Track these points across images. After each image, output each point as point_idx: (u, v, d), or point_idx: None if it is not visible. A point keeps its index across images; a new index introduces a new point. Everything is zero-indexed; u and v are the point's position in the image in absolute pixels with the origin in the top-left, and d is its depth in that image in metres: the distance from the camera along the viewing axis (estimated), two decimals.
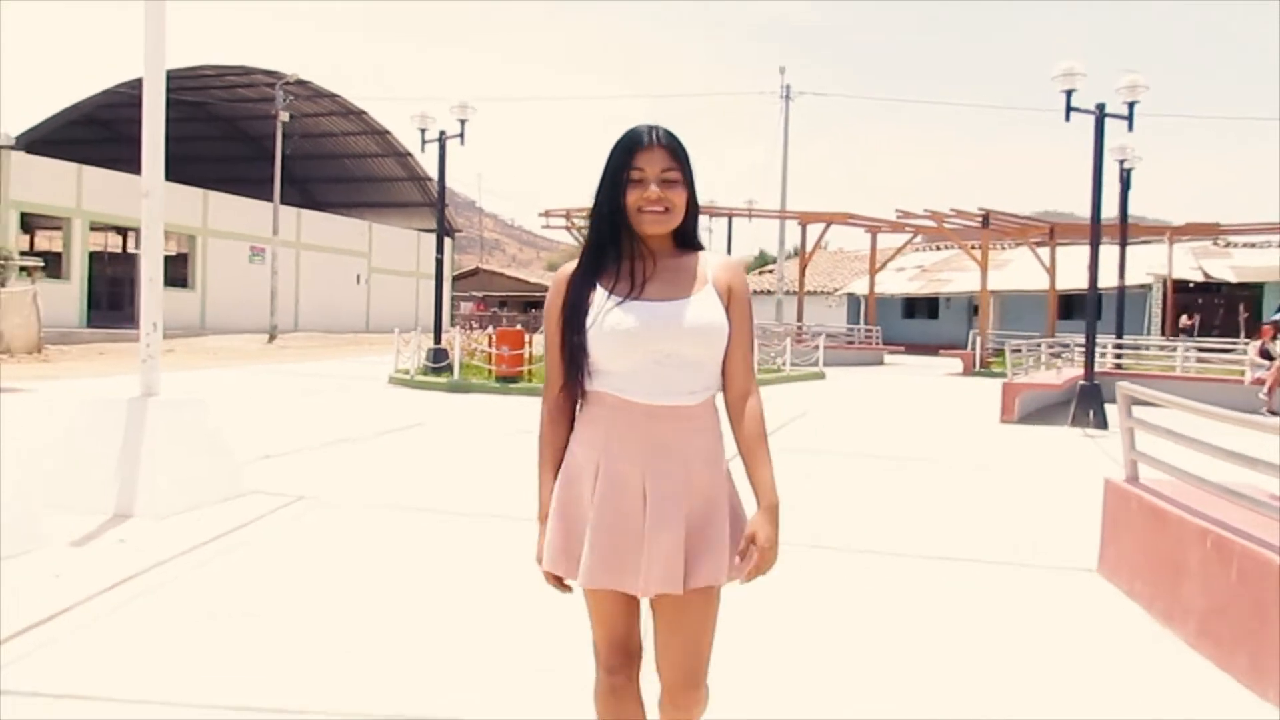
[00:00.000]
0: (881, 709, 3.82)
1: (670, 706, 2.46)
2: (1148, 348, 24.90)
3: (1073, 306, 39.19)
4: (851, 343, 34.11)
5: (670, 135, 2.37)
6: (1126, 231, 21.38)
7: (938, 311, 45.72)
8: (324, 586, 5.23)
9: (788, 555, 5.52)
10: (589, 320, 2.34)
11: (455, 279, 55.26)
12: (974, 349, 27.72)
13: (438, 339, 19.90)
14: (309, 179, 46.89)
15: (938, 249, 48.42)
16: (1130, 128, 15.85)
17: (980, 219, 29.19)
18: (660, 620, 2.41)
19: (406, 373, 18.98)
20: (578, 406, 2.46)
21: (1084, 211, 21.42)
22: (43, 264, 28.31)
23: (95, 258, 35.29)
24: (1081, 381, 14.87)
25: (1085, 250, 29.15)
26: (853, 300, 45.51)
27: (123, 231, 39.47)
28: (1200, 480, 5.10)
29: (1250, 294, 35.95)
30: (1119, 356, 21.27)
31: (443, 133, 19.94)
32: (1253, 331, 25.46)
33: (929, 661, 4.39)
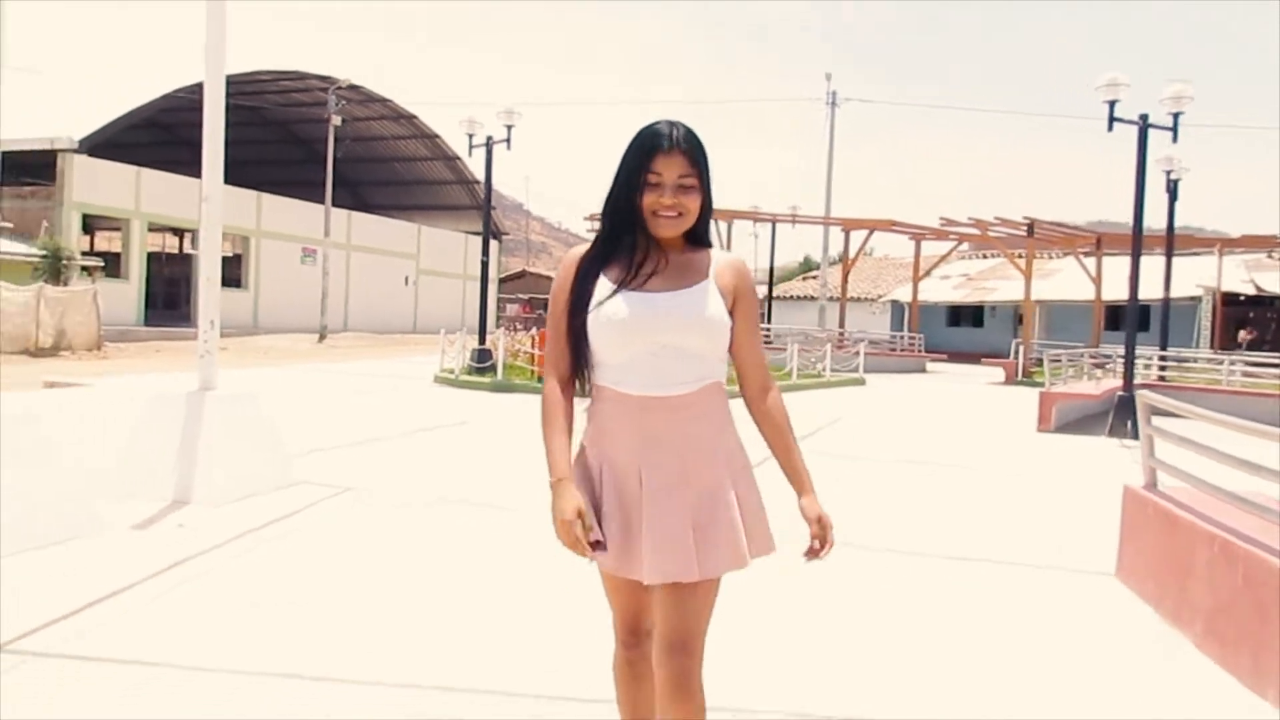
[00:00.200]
0: (901, 701, 4.04)
1: (666, 690, 2.39)
2: (1195, 360, 24.69)
3: (1120, 317, 38.74)
4: (893, 349, 34.08)
5: (690, 137, 2.36)
6: (1173, 242, 21.25)
7: (983, 320, 45.44)
8: (368, 572, 5.53)
9: (815, 573, 5.78)
10: (590, 306, 2.38)
11: (502, 281, 55.85)
12: (1016, 358, 27.63)
13: (482, 340, 20.28)
14: (360, 182, 47.66)
15: (984, 257, 48.15)
16: (1175, 139, 15.85)
17: (1025, 228, 29.08)
18: (662, 598, 2.39)
19: (452, 372, 19.37)
20: (588, 403, 2.50)
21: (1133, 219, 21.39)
22: (102, 264, 29.12)
23: (152, 258, 36.16)
24: (1120, 392, 14.88)
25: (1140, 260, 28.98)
26: (896, 307, 45.37)
27: (179, 232, 40.38)
28: (1212, 487, 5.25)
29: None
30: (1163, 369, 21.15)
31: (490, 138, 20.33)
32: None
33: (946, 655, 4.60)
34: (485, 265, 21.53)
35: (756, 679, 4.09)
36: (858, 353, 26.24)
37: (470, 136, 20.44)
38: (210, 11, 7.51)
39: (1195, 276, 35.35)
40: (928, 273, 38.44)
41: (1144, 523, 5.92)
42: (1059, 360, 18.08)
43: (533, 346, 19.32)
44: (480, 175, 23.55)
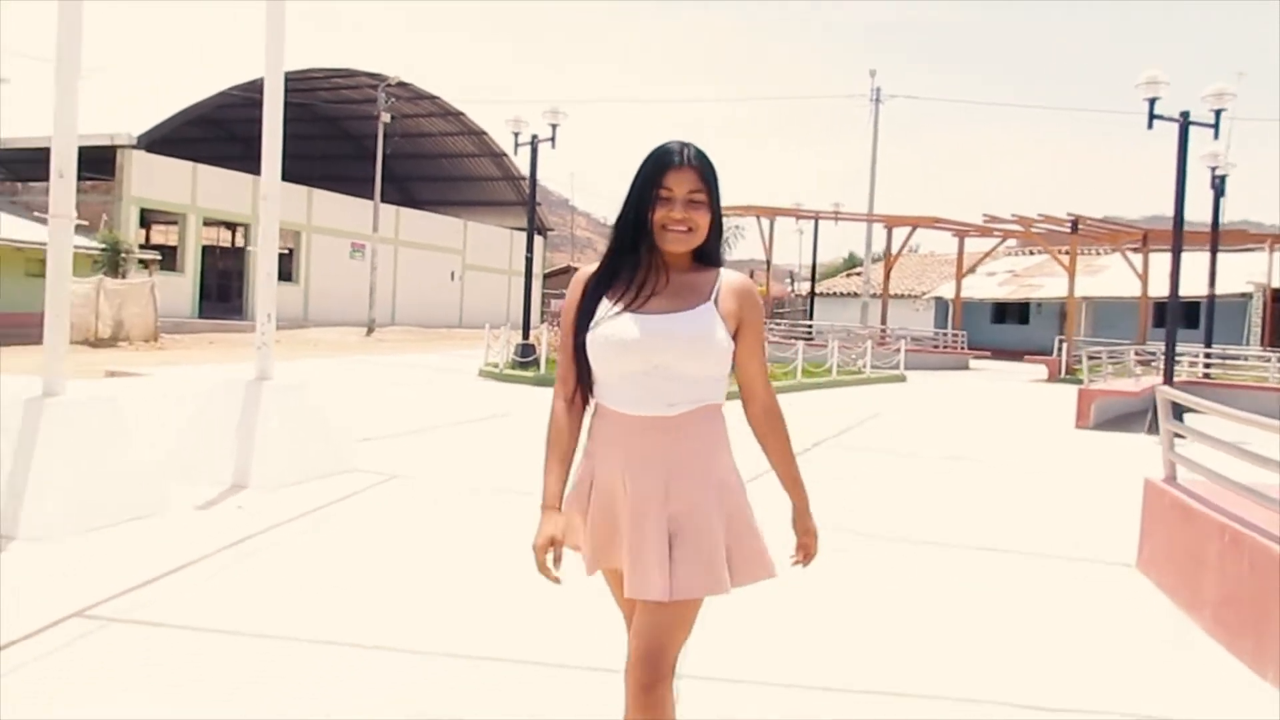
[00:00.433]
0: (930, 676, 4.29)
1: (631, 692, 2.41)
2: (1245, 358, 24.47)
3: (1167, 314, 38.35)
4: (936, 347, 34.03)
5: (700, 156, 2.42)
6: (1217, 238, 21.12)
7: (1028, 317, 45.14)
8: (412, 552, 5.86)
9: (846, 542, 6.04)
10: (591, 324, 2.43)
11: (546, 276, 56.31)
12: (1059, 355, 27.54)
13: (526, 335, 20.65)
14: (408, 177, 48.29)
15: (1030, 253, 47.79)
16: (1216, 135, 15.83)
17: (1069, 224, 28.94)
18: (639, 613, 2.44)
19: (496, 366, 19.74)
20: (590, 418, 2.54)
21: (1193, 216, 21.31)
22: (159, 257, 29.88)
23: (207, 251, 36.99)
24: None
25: (1185, 256, 28.75)
26: (940, 304, 45.20)
27: (232, 226, 41.22)
28: (1227, 480, 5.43)
29: None
30: (1208, 366, 21.03)
31: (535, 136, 20.69)
32: None
33: (974, 637, 4.84)
34: (529, 261, 21.90)
35: (801, 656, 4.36)
36: (898, 350, 26.30)
37: (516, 135, 20.81)
38: (270, 12, 7.86)
39: (1246, 273, 34.93)
40: (972, 269, 38.31)
41: (1162, 515, 6.10)
42: (1098, 357, 18.06)
43: None
44: (526, 171, 23.92)
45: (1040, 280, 43.89)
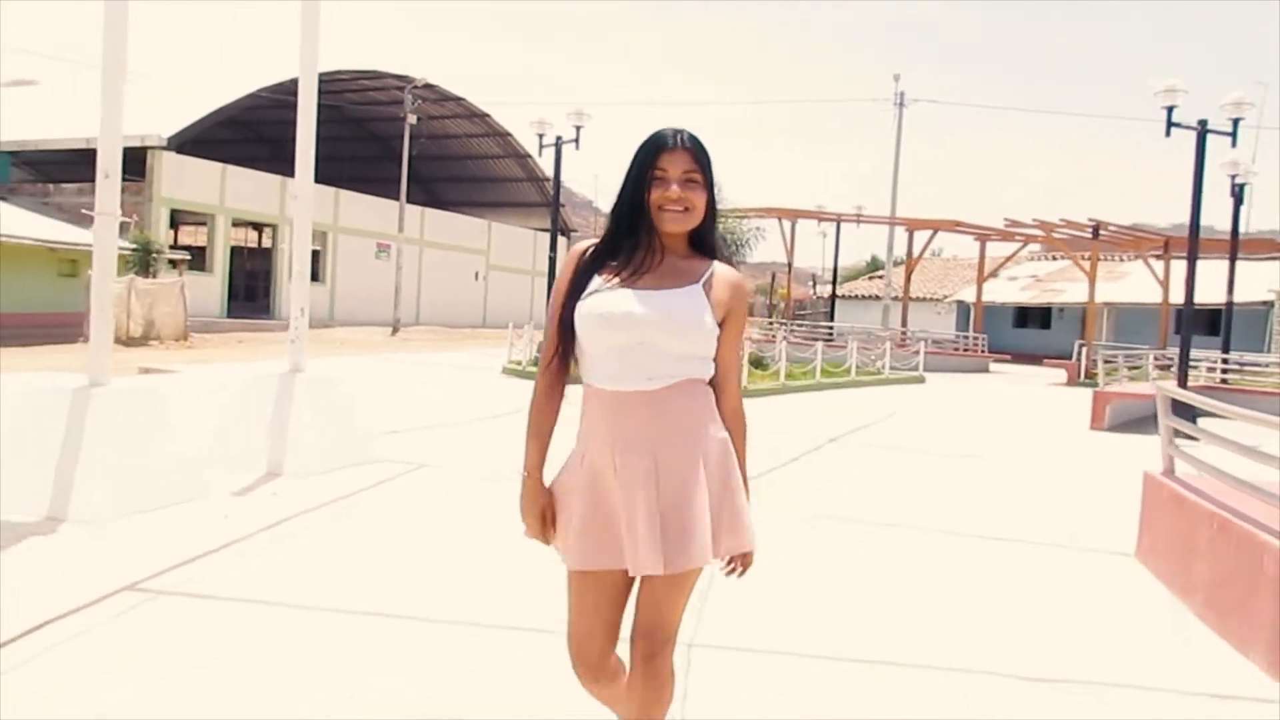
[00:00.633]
0: (938, 651, 4.55)
1: (637, 668, 2.54)
2: (1265, 365, 24.50)
3: (1183, 320, 38.28)
4: (956, 349, 34.13)
5: (694, 139, 2.48)
6: (1237, 246, 21.18)
7: (1050, 322, 45.12)
8: (438, 534, 6.17)
9: (857, 531, 6.29)
10: (581, 298, 2.48)
11: None
12: (1078, 360, 27.61)
13: None
14: (433, 178, 48.74)
15: (1053, 258, 47.75)
16: (1234, 144, 15.98)
17: (1090, 229, 29.00)
18: (642, 587, 2.55)
19: (519, 364, 20.05)
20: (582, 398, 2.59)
21: (1218, 224, 21.43)
22: (189, 257, 30.37)
23: (235, 252, 37.51)
24: None
25: (1205, 264, 28.76)
26: (962, 307, 45.25)
27: (258, 227, 41.76)
28: (1219, 472, 5.66)
29: None
30: (1225, 371, 21.12)
31: (559, 138, 21.01)
32: None
33: (979, 618, 5.10)
34: (553, 261, 22.21)
35: (809, 629, 4.63)
36: (918, 351, 26.46)
37: (540, 137, 21.14)
38: (305, 12, 8.17)
39: (1268, 282, 34.85)
40: (994, 274, 38.38)
41: (1160, 506, 6.33)
42: (1114, 361, 18.21)
43: None
44: (550, 173, 24.23)
45: (1062, 285, 43.87)
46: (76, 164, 32.80)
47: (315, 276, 37.60)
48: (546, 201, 46.91)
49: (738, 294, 2.54)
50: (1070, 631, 4.95)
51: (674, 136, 2.47)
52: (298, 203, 8.27)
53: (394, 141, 39.18)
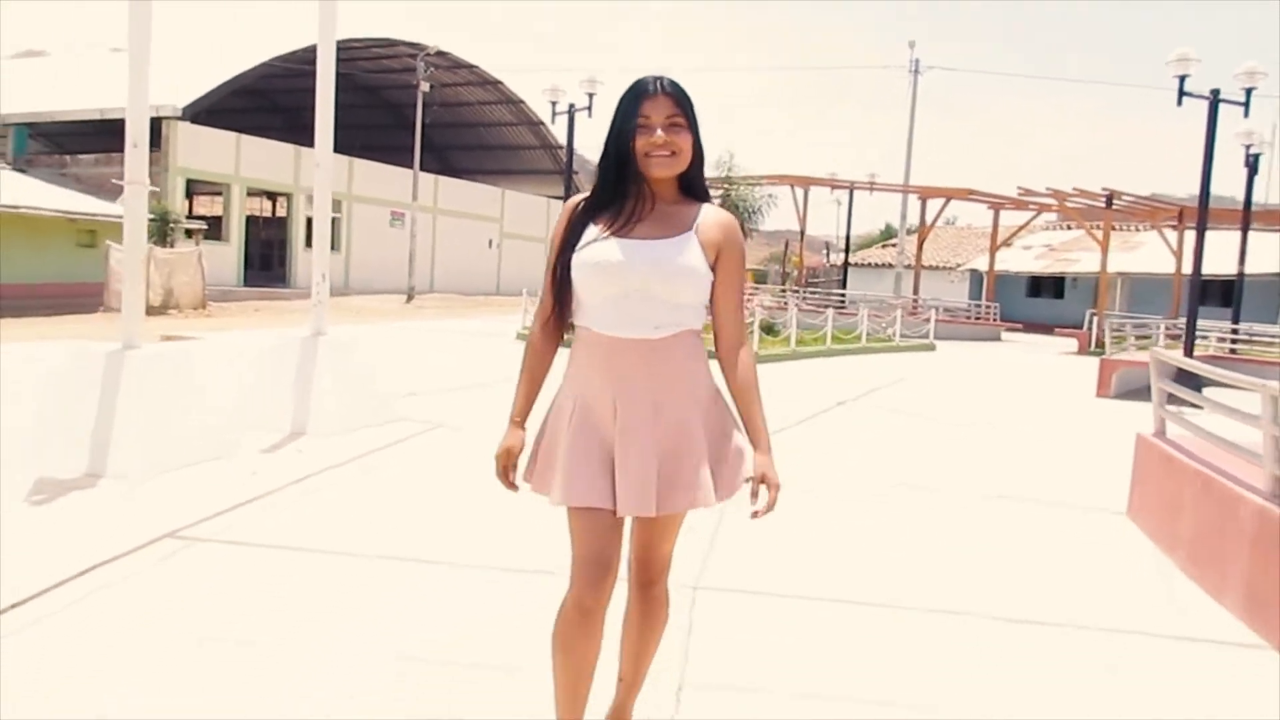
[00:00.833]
0: (937, 594, 4.83)
1: (636, 598, 2.72)
2: (1277, 336, 24.59)
3: (1206, 292, 38.21)
4: (968, 318, 34.26)
5: (674, 84, 2.50)
6: (1249, 217, 21.24)
7: (1063, 291, 45.05)
8: (456, 487, 6.46)
9: (861, 492, 6.58)
10: (576, 249, 2.52)
11: None
12: (1090, 329, 27.73)
13: None
14: (446, 146, 48.84)
15: (1067, 228, 47.64)
16: (1246, 114, 16.04)
17: (1104, 199, 29.02)
18: (635, 523, 2.64)
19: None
20: (570, 342, 2.64)
21: (1240, 195, 21.42)
22: (205, 226, 30.65)
23: (250, 221, 37.78)
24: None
25: (1220, 235, 28.77)
26: (975, 276, 45.23)
27: (273, 197, 42.01)
28: (1207, 433, 5.90)
29: None
30: (1234, 342, 21.25)
31: (572, 105, 21.17)
32: None
33: (977, 566, 5.38)
34: None
35: (813, 575, 4.91)
36: (928, 320, 26.62)
37: (553, 104, 21.30)
38: None
39: None
40: (1006, 243, 38.38)
41: (1150, 466, 6.57)
42: (1121, 330, 18.37)
43: None
44: (564, 140, 24.39)
45: (1076, 255, 43.81)
46: (91, 135, 33.10)
47: (331, 245, 37.84)
48: (560, 169, 46.98)
49: (729, 233, 2.55)
50: (1056, 582, 5.21)
51: (654, 83, 2.49)
52: (319, 171, 8.51)
53: (407, 110, 39.29)
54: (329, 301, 8.60)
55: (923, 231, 36.54)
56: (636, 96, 2.48)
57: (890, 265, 44.60)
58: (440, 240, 43.44)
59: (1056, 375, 19.77)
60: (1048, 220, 45.87)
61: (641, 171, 2.49)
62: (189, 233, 28.97)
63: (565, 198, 22.21)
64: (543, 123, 45.75)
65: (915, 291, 35.74)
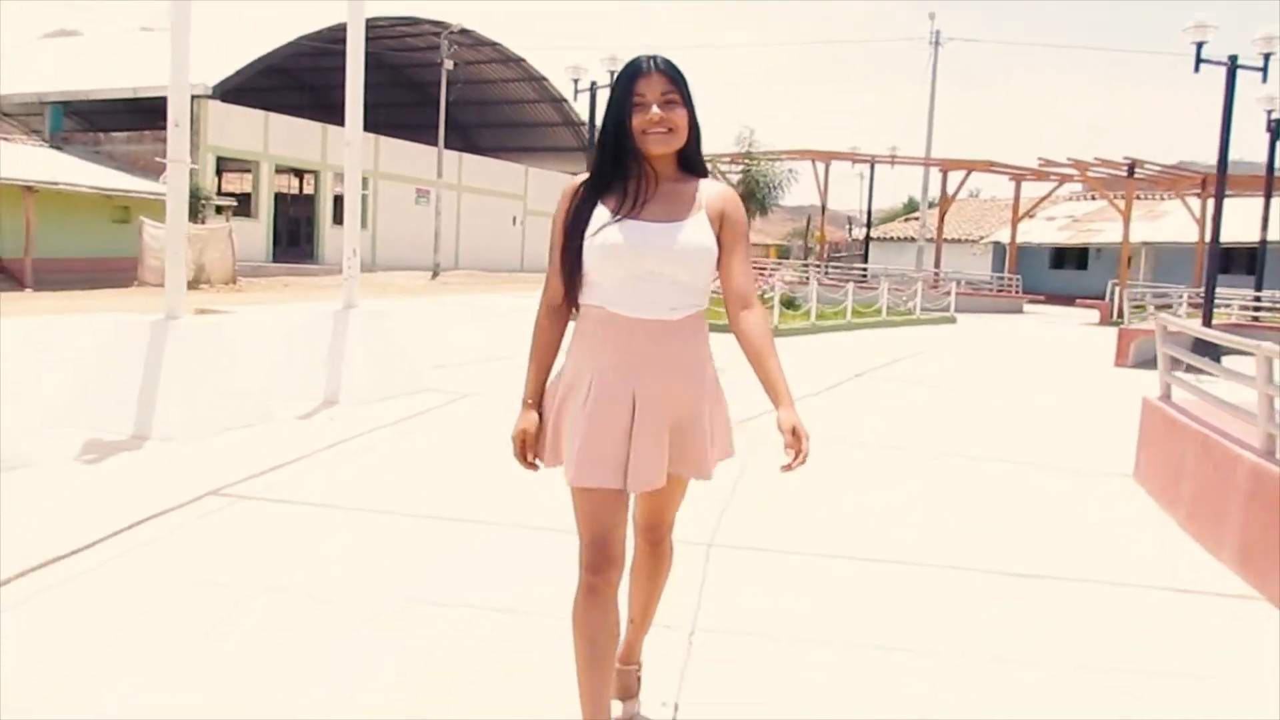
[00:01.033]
0: (929, 552, 5.07)
1: (642, 553, 2.88)
2: None
3: (1231, 260, 37.99)
4: (990, 290, 34.26)
5: (668, 62, 2.53)
6: (1272, 183, 21.18)
7: (1087, 262, 44.87)
8: (483, 451, 6.72)
9: (874, 458, 6.82)
10: (586, 233, 2.52)
11: None
12: (1112, 300, 27.72)
13: None
14: (470, 124, 49.05)
15: (1091, 198, 47.39)
16: (1264, 79, 16.03)
17: (1125, 168, 28.93)
18: (640, 495, 2.74)
19: None
20: (573, 320, 2.68)
21: (1259, 160, 21.34)
22: (235, 203, 31.08)
23: (278, 199, 38.19)
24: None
25: (1245, 202, 28.64)
26: (998, 249, 45.11)
27: (300, 174, 42.40)
28: (1210, 396, 6.09)
29: None
30: (1256, 310, 21.25)
31: (594, 83, 21.38)
32: None
33: (986, 524, 5.61)
34: None
35: (823, 533, 5.17)
36: (948, 292, 26.70)
37: (575, 81, 21.50)
38: None
39: None
40: (1029, 214, 38.27)
41: (1155, 429, 6.77)
42: (1140, 299, 18.44)
43: None
44: (586, 117, 24.57)
45: (1100, 225, 43.61)
46: (123, 113, 33.53)
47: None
48: (582, 146, 47.10)
49: (730, 204, 2.61)
50: (1058, 540, 5.43)
51: (647, 62, 2.52)
52: (349, 149, 8.77)
53: (431, 88, 39.50)
54: (358, 277, 8.87)
55: (943, 204, 36.49)
56: (631, 76, 2.51)
57: (912, 239, 44.56)
58: (465, 217, 43.73)
59: (1076, 346, 19.87)
60: (1072, 191, 45.66)
61: (640, 150, 2.51)
62: (219, 209, 29.39)
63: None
64: (565, 100, 45.81)
65: (936, 265, 35.75)
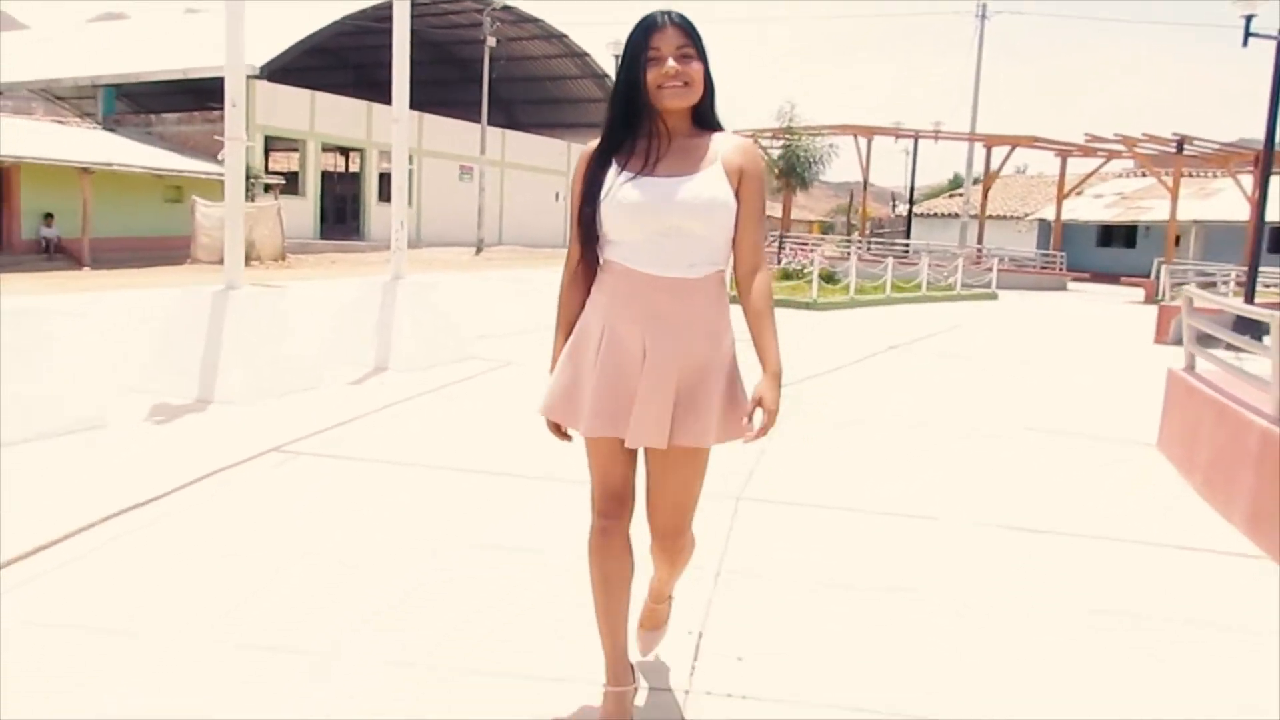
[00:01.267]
0: (947, 508, 5.33)
1: (658, 550, 2.77)
2: None
3: (1255, 237, 37.30)
4: (1033, 267, 34.08)
5: (682, 16, 2.49)
6: None
7: (1135, 240, 44.33)
8: (526, 412, 7.04)
9: (904, 421, 7.08)
10: (602, 194, 2.51)
11: None
12: (1158, 278, 27.50)
13: None
14: (513, 100, 49.35)
15: (1141, 175, 46.79)
16: None
17: (1174, 144, 28.62)
18: (652, 473, 2.65)
19: None
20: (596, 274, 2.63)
21: None
22: (283, 181, 31.65)
23: (324, 177, 38.78)
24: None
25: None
26: (1043, 226, 44.71)
27: (345, 152, 42.96)
28: (1230, 366, 6.27)
29: None
30: None
31: None
32: None
33: (1015, 486, 5.85)
34: None
35: (863, 493, 5.44)
36: (990, 269, 26.66)
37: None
38: None
39: None
40: (1077, 191, 37.93)
41: (1177, 399, 6.94)
42: (1182, 277, 18.38)
43: None
44: None
45: (1149, 203, 43.04)
46: (173, 95, 34.21)
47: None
48: None
49: (749, 159, 2.58)
50: (1077, 502, 5.65)
51: (662, 16, 2.49)
52: (396, 126, 9.10)
53: (473, 65, 39.85)
54: (406, 249, 9.21)
55: (987, 180, 36.26)
56: (645, 30, 2.48)
57: (956, 215, 44.29)
58: (508, 194, 44.11)
59: (1117, 323, 19.86)
60: (1124, 168, 45.11)
61: (655, 106, 2.50)
62: (268, 187, 29.95)
63: None
64: (608, 75, 45.89)
65: (979, 241, 35.57)
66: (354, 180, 40.32)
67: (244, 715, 2.77)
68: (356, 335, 8.70)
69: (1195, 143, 29.42)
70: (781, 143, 28.25)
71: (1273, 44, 15.41)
